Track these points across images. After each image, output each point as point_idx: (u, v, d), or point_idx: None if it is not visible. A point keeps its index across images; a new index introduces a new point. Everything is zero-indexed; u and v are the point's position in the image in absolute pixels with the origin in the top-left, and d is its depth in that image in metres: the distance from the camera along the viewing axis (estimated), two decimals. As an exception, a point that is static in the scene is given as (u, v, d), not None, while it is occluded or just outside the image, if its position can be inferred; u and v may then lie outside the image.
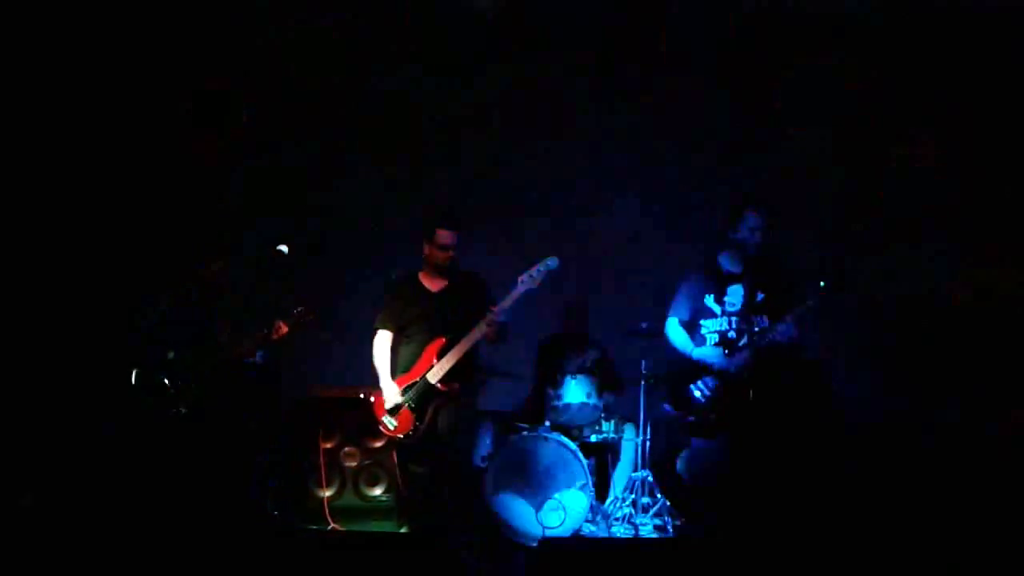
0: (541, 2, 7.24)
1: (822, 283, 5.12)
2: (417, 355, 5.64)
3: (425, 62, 7.26)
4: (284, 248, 5.88)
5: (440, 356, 5.56)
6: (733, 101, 7.14)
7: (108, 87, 6.65)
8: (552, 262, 5.50)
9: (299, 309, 5.88)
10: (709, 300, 5.42)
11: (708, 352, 5.37)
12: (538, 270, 5.49)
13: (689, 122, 7.19)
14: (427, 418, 5.59)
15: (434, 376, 5.55)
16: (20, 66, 6.41)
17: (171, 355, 5.73)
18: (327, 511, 6.30)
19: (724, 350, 5.31)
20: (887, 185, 6.97)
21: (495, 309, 5.48)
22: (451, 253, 5.66)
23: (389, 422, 5.64)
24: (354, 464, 6.43)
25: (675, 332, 5.51)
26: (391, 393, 5.64)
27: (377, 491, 6.42)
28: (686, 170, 7.23)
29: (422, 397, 5.58)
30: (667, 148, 7.26)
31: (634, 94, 7.31)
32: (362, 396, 6.09)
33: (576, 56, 7.24)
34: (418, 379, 5.59)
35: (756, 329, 5.24)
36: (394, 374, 5.70)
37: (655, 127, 7.26)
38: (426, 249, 5.70)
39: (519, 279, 5.51)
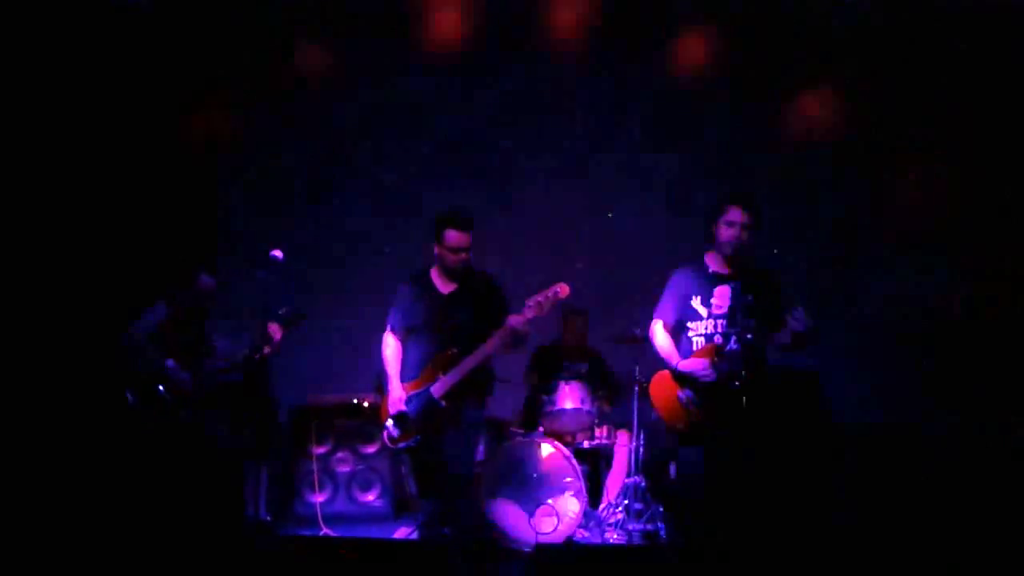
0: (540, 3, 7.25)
1: (797, 310, 5.02)
2: (423, 362, 5.39)
3: (421, 65, 7.27)
4: (278, 253, 5.84)
5: (447, 370, 5.31)
6: (734, 105, 7.15)
7: (101, 92, 6.64)
8: (560, 290, 5.27)
9: (284, 309, 5.84)
10: (696, 302, 5.25)
11: (693, 365, 5.20)
12: (547, 297, 5.25)
13: (690, 125, 7.19)
14: (429, 431, 5.35)
15: (438, 391, 5.31)
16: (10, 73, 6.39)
17: (169, 364, 5.72)
18: (320, 516, 6.29)
19: (708, 363, 5.16)
20: (887, 190, 6.98)
21: (516, 325, 5.22)
22: (464, 256, 5.32)
23: (391, 428, 5.41)
24: (347, 469, 6.51)
25: (660, 338, 5.34)
26: (397, 399, 5.38)
27: (370, 496, 6.48)
28: (685, 174, 7.24)
29: (425, 410, 5.36)
30: (667, 152, 7.27)
31: (634, 96, 7.33)
32: (356, 402, 6.09)
33: (575, 57, 7.24)
34: (422, 391, 5.36)
35: (748, 337, 5.13)
36: (401, 375, 5.45)
37: (656, 131, 7.26)
38: (436, 250, 5.35)
39: (527, 303, 5.27)
